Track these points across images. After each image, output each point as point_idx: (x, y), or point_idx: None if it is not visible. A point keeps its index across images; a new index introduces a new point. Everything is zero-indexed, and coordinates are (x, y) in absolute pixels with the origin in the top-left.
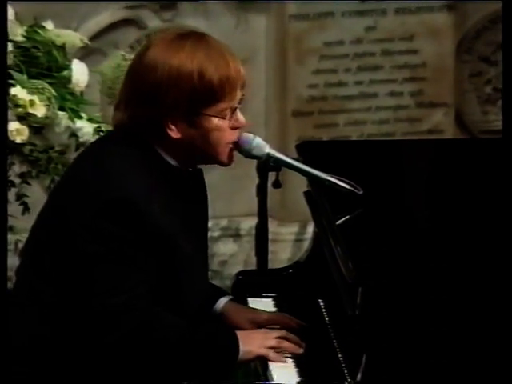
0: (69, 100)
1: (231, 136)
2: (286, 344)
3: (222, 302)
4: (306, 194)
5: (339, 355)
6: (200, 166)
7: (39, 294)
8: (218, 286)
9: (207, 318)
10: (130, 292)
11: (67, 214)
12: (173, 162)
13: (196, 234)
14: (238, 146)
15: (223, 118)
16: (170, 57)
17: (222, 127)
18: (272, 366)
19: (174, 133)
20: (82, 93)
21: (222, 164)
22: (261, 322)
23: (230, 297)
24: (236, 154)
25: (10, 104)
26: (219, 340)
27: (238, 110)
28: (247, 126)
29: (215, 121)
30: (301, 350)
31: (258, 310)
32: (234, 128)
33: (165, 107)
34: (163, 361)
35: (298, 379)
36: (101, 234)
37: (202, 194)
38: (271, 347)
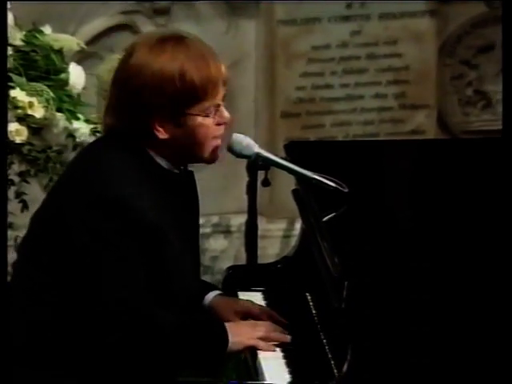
0: (66, 102)
1: (216, 131)
2: (273, 334)
3: (210, 296)
4: (293, 191)
5: (326, 347)
6: (192, 168)
7: (38, 288)
8: (208, 282)
9: (197, 312)
10: (124, 287)
11: (63, 209)
12: (163, 163)
13: (187, 232)
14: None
15: (207, 115)
16: (152, 61)
17: (206, 125)
18: (261, 356)
19: (161, 133)
20: (78, 95)
21: (207, 161)
22: (245, 311)
23: (218, 292)
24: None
25: (9, 106)
26: (209, 331)
27: (222, 107)
28: (232, 121)
29: (200, 119)
30: (288, 339)
31: (243, 300)
32: (218, 124)
33: (150, 109)
34: (158, 356)
35: (286, 369)
36: (94, 227)
37: (193, 194)
38: (260, 338)
